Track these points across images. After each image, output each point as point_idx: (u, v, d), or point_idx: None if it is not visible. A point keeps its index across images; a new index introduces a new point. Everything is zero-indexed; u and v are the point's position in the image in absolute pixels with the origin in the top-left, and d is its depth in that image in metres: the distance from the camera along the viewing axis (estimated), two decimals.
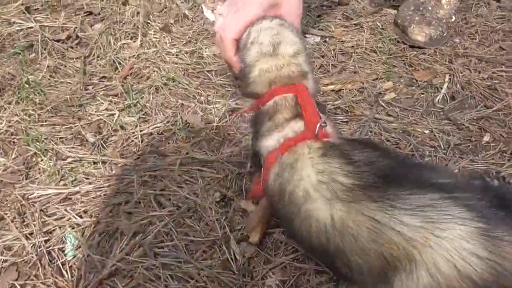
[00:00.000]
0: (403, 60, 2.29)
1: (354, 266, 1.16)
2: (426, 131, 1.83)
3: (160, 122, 1.90)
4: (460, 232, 1.03)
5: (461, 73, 2.16)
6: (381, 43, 2.41)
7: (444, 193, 1.10)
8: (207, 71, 2.21)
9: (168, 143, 1.81)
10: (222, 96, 2.06)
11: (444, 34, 2.36)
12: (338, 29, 2.51)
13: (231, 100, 2.03)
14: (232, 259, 1.36)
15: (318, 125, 1.37)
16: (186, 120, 1.91)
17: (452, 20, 2.42)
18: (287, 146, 1.36)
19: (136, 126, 1.88)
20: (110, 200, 1.55)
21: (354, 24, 2.57)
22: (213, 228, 1.45)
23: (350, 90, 2.07)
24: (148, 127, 1.88)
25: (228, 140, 1.82)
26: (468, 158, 1.67)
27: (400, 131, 1.82)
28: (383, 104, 1.99)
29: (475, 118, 1.90)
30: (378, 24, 2.53)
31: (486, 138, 1.78)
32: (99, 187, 1.60)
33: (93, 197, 1.57)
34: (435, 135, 1.80)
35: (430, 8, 2.41)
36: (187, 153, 1.74)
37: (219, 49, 1.72)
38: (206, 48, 2.35)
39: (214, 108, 1.98)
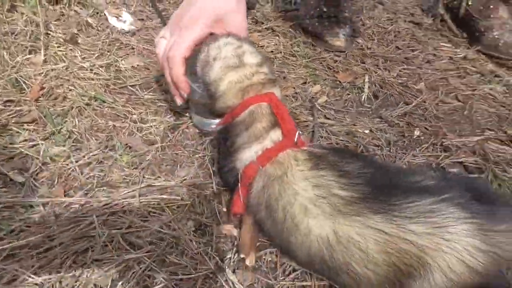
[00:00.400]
0: (321, 63, 2.39)
1: (363, 279, 1.17)
2: (366, 131, 1.93)
3: (96, 149, 1.68)
4: (464, 231, 1.12)
5: (375, 72, 2.33)
6: (297, 47, 2.48)
7: (436, 197, 1.17)
8: (131, 85, 2.02)
9: (113, 171, 1.61)
10: (155, 112, 1.90)
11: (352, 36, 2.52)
12: (254, 33, 2.50)
13: (168, 117, 1.88)
14: None
15: (297, 133, 1.37)
16: (126, 144, 1.72)
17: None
18: (267, 157, 1.33)
19: (69, 157, 1.63)
20: (68, 248, 1.32)
21: (265, 28, 2.59)
22: (201, 261, 1.33)
23: (286, 96, 2.08)
24: (84, 156, 1.64)
25: (179, 162, 1.68)
26: (410, 153, 1.81)
27: (345, 133, 1.90)
28: (319, 107, 2.04)
29: (400, 114, 2.07)
30: (290, 29, 2.59)
31: (417, 132, 1.95)
32: (50, 236, 1.35)
33: (46, 248, 1.32)
34: (375, 134, 1.92)
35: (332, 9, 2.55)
36: (141, 182, 1.56)
37: (165, 70, 1.61)
38: (122, 60, 2.15)
39: (152, 127, 1.82)
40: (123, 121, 1.83)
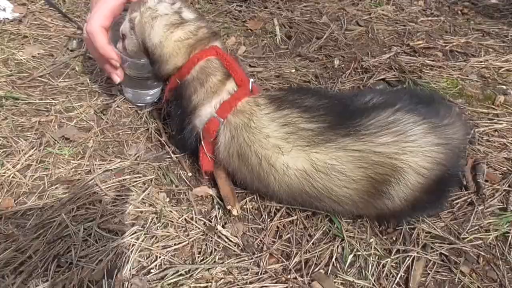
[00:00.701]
0: (227, 15, 2.38)
1: (343, 199, 1.26)
2: (293, 70, 2.00)
3: (31, 149, 1.54)
4: (422, 132, 1.25)
5: (280, 15, 2.39)
6: (197, 4, 2.43)
7: (391, 108, 1.29)
8: (39, 76, 1.85)
9: (59, 167, 1.49)
10: (79, 98, 1.78)
11: None
12: None
13: (94, 99, 1.77)
14: (229, 245, 1.29)
15: (250, 81, 1.40)
16: (62, 136, 1.60)
17: None
18: (228, 108, 1.34)
19: (3, 164, 1.47)
20: (46, 254, 1.22)
21: None
22: (189, 227, 1.32)
23: None
24: (19, 160, 1.50)
25: (125, 141, 1.61)
26: (338, 81, 1.93)
27: (274, 77, 1.95)
28: (241, 58, 2.06)
29: (316, 49, 2.17)
30: None
31: (336, 62, 2.07)
32: (20, 248, 1.24)
33: (21, 262, 1.21)
34: (301, 71, 2.00)
35: None
36: (95, 170, 1.48)
37: (90, 48, 1.52)
38: (18, 51, 1.94)
39: (81, 113, 1.70)
40: (47, 114, 1.68)
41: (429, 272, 1.24)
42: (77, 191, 1.39)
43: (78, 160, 1.52)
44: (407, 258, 1.26)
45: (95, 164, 1.50)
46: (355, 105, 1.35)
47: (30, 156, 1.51)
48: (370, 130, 1.23)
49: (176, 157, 1.54)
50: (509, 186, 1.44)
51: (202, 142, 1.40)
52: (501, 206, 1.41)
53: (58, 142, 1.57)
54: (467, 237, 1.32)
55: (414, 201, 1.25)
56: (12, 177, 1.44)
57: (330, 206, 1.30)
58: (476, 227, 1.35)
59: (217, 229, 1.31)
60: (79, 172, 1.47)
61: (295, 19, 2.37)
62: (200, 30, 1.41)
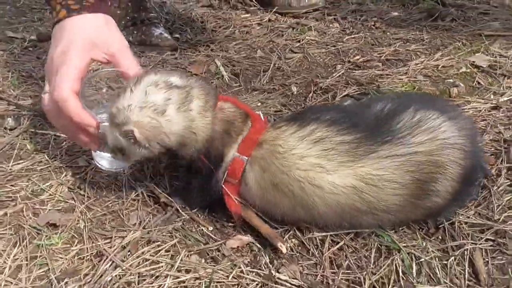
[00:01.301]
0: (163, 65, 2.29)
1: (393, 207, 1.24)
2: (259, 104, 1.97)
3: (13, 248, 1.27)
4: (448, 124, 1.27)
5: (218, 55, 2.37)
6: None
7: (408, 110, 1.30)
8: None
9: (59, 258, 1.24)
10: (44, 178, 1.53)
11: None
12: None
13: (63, 176, 1.53)
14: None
15: (260, 113, 1.37)
16: (48, 223, 1.34)
17: None
18: (250, 144, 1.28)
19: None
20: None
21: None
22: (245, 283, 1.18)
23: None
24: (5, 263, 1.22)
25: (119, 212, 1.41)
26: (308, 105, 1.94)
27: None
28: None
29: (267, 81, 2.17)
30: None
31: (294, 88, 2.09)
32: None
33: None
34: (267, 103, 1.97)
35: None
36: (106, 250, 1.26)
37: (58, 118, 1.35)
38: None
39: (55, 194, 1.46)
40: (14, 204, 1.42)
41: (487, 259, 1.25)
42: (95, 279, 1.16)
43: (77, 245, 1.28)
44: (465, 252, 1.26)
45: (100, 245, 1.27)
46: (372, 113, 1.35)
47: (15, 256, 1.24)
48: (403, 133, 1.23)
49: (188, 215, 1.39)
50: (508, 162, 1.54)
51: (224, 186, 1.29)
52: (509, 183, 1.49)
53: (42, 232, 1.31)
54: (499, 218, 1.37)
55: (455, 193, 1.27)
56: (5, 285, 1.15)
57: (379, 218, 1.26)
58: (501, 207, 1.41)
59: (274, 276, 1.19)
60: (86, 257, 1.24)
61: (233, 57, 2.36)
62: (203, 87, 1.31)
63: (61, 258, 1.24)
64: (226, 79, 2.17)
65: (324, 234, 1.31)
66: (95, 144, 1.38)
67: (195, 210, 1.40)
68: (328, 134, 1.23)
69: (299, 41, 2.54)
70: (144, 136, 1.21)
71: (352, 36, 2.59)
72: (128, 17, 2.40)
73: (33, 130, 1.71)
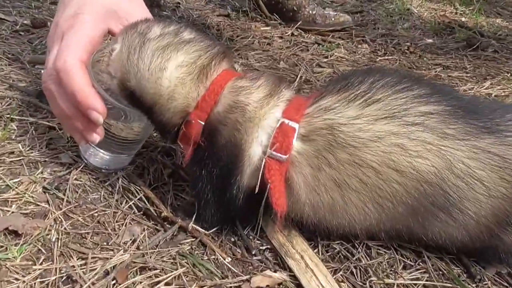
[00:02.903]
0: None
1: (468, 220, 0.94)
2: None
3: None
4: None
5: (238, 62, 2.07)
6: None
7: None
8: None
9: (14, 279, 0.87)
10: (12, 173, 1.18)
11: None
12: None
13: (38, 172, 1.18)
14: None
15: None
16: (6, 229, 0.98)
17: None
18: (289, 131, 0.95)
19: None
20: None
21: None
22: None
23: None
24: None
25: (106, 225, 1.06)
26: None
27: None
28: None
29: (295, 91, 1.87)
30: None
31: None
32: None
33: None
34: None
35: None
36: (80, 275, 0.89)
37: (58, 95, 1.01)
38: None
39: (24, 193, 1.10)
40: None
41: None
42: None
43: (42, 263, 0.92)
44: None
45: (75, 266, 0.91)
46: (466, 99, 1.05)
47: None
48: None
49: (198, 236, 1.03)
50: None
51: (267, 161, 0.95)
52: None
53: (12, 242, 0.95)
54: None
55: None
56: None
57: (454, 226, 0.95)
58: None
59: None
60: (52, 283, 0.87)
61: (254, 65, 2.07)
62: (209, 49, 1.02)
63: (17, 280, 0.87)
64: None
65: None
66: (91, 135, 1.03)
67: (209, 229, 1.05)
68: (404, 101, 0.94)
69: (326, 57, 2.26)
70: (116, 60, 0.99)
71: (386, 57, 2.32)
72: None
73: (8, 115, 1.36)
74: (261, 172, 0.94)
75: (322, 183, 0.93)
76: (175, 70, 0.96)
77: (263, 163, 0.94)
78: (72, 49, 0.98)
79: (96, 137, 1.03)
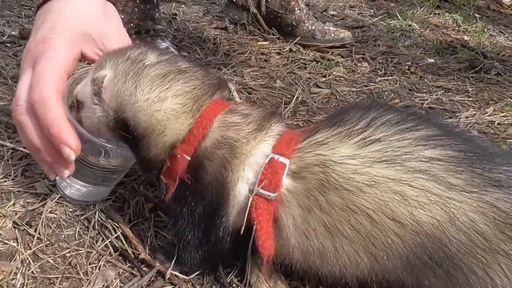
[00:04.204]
0: None
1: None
2: None
3: None
4: None
5: (232, 80, 2.00)
6: None
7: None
8: None
9: None
10: None
11: None
12: None
13: (8, 205, 1.10)
14: None
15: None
16: None
17: None
18: (278, 169, 0.88)
19: None
20: None
21: None
22: None
23: None
24: None
25: (78, 267, 0.98)
26: None
27: None
28: None
29: (290, 114, 1.79)
30: None
31: None
32: None
33: None
34: None
35: None
36: None
37: (30, 131, 0.92)
38: None
39: None
40: None
41: None
42: None
43: None
44: None
45: None
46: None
47: None
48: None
49: (177, 283, 0.95)
50: None
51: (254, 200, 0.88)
52: None
53: None
54: None
55: None
56: None
57: (438, 286, 0.88)
58: None
59: None
60: None
61: (249, 84, 2.00)
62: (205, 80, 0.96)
63: None
64: None
65: None
66: (61, 171, 0.96)
67: (189, 274, 0.97)
68: (408, 143, 0.87)
69: (324, 76, 2.19)
70: (111, 88, 0.91)
71: (385, 78, 2.25)
72: (132, 24, 2.02)
73: None
74: (247, 211, 0.87)
75: (312, 226, 0.86)
76: (171, 102, 0.90)
77: (250, 201, 0.86)
78: (47, 79, 0.91)
79: (66, 172, 0.96)
